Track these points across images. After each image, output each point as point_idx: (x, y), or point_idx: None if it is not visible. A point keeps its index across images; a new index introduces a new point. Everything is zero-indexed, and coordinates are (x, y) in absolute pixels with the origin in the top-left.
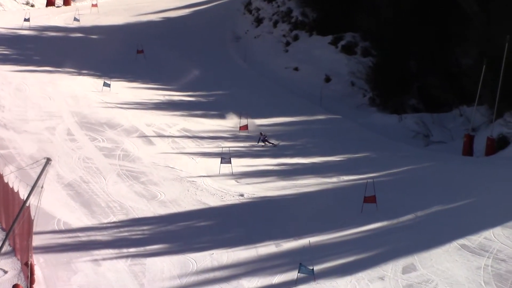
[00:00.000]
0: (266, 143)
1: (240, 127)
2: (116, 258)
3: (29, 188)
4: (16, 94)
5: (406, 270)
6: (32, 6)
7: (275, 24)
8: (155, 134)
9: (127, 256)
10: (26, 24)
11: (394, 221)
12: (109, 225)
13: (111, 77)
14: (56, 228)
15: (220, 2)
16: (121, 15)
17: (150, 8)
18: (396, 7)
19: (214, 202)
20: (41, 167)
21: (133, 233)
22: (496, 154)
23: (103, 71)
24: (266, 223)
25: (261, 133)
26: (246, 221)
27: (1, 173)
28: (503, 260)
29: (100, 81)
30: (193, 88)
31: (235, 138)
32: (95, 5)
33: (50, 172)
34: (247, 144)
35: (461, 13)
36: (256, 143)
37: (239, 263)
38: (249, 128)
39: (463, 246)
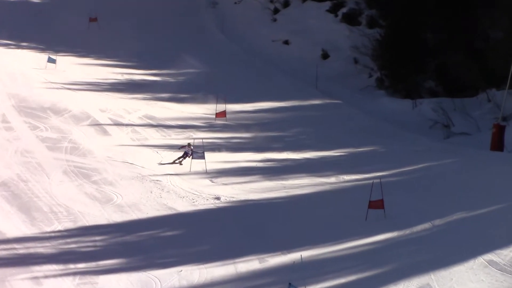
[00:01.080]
0: (181, 159)
1: (216, 114)
2: (61, 275)
3: None
4: None
5: None
6: None
7: None
8: (110, 122)
9: (75, 273)
10: None
11: (406, 231)
12: (53, 234)
13: (57, 51)
14: None
15: None
16: None
17: None
18: None
19: (183, 206)
20: None
21: (82, 245)
22: None
23: (48, 44)
24: (248, 233)
25: (189, 144)
26: (223, 231)
27: None
28: None
29: (43, 56)
30: (158, 65)
31: (210, 127)
32: None
33: None
34: (225, 135)
35: None
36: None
37: (213, 283)
38: (227, 115)
39: (491, 263)
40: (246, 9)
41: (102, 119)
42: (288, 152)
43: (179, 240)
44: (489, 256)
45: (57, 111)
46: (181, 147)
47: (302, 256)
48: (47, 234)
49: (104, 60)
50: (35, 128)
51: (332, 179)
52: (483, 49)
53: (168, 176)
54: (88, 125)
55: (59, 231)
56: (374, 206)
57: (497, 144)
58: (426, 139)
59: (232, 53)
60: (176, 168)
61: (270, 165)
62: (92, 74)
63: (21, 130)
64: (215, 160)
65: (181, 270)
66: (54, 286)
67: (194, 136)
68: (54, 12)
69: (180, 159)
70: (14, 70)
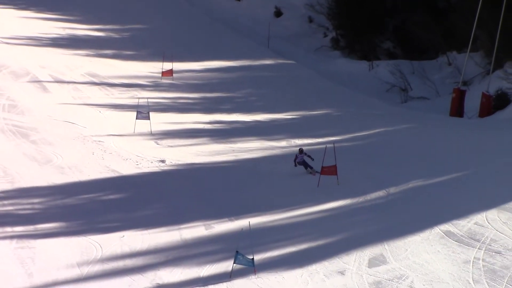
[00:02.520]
0: (309, 169)
1: (162, 72)
2: None
3: None
4: None
5: (373, 262)
6: None
7: None
8: (51, 79)
9: (11, 237)
10: None
11: (360, 199)
12: None
13: None
14: None
15: None
16: None
17: None
18: None
19: (126, 169)
20: None
21: (19, 207)
22: (492, 115)
23: None
24: (194, 198)
25: (301, 150)
26: (168, 195)
27: None
28: (498, 253)
29: None
30: (102, 20)
31: (156, 86)
32: None
33: None
34: (171, 95)
35: None
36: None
37: (157, 249)
38: (174, 74)
39: (448, 234)
40: None
41: (42, 75)
42: (238, 114)
43: (121, 204)
44: (446, 227)
45: None
46: (298, 159)
47: (250, 223)
48: None
49: (46, 13)
50: None
51: (283, 143)
52: (445, 9)
53: (111, 137)
54: (28, 81)
55: None
56: (326, 172)
57: (457, 110)
58: (382, 103)
59: (180, 9)
60: (119, 129)
61: (218, 128)
62: (33, 28)
63: None
64: (160, 121)
65: (124, 236)
66: None
67: (139, 95)
68: None
69: (310, 169)
70: None
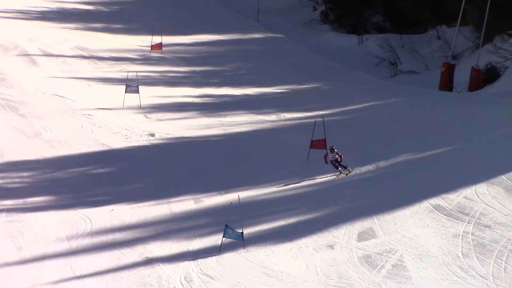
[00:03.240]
0: (341, 168)
1: (151, 46)
2: None
3: None
4: None
5: (362, 236)
6: None
7: None
8: (40, 53)
9: (1, 211)
10: None
11: (349, 173)
12: None
13: None
14: None
15: None
16: None
17: None
18: None
19: (116, 143)
20: None
21: (8, 180)
22: (482, 89)
23: None
24: (183, 172)
25: (332, 148)
26: (157, 169)
27: None
28: (488, 227)
29: None
30: None
31: (145, 60)
32: None
33: None
34: (160, 68)
35: None
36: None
37: (146, 223)
38: (163, 48)
39: (437, 207)
40: None
41: (31, 49)
42: (227, 88)
43: (111, 178)
44: (435, 201)
45: None
46: (329, 157)
47: (240, 197)
48: None
49: None
50: None
51: (273, 117)
52: None
53: (100, 110)
54: (16, 55)
55: None
56: (316, 146)
57: (446, 84)
58: (372, 77)
59: None
60: (108, 102)
61: (207, 101)
62: (21, 2)
63: None
64: (149, 94)
65: (113, 209)
66: None
67: (128, 69)
68: None
69: (338, 173)
70: None
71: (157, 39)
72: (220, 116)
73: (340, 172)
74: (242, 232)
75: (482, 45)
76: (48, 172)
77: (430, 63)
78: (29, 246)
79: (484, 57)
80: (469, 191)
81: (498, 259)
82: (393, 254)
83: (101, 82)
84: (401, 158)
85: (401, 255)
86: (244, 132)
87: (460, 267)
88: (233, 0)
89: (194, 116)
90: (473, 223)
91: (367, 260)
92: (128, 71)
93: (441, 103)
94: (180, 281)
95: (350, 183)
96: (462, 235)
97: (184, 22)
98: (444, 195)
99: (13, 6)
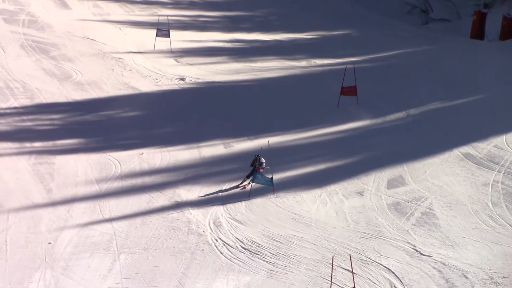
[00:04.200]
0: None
1: None
2: (16, 154)
3: None
4: None
5: (392, 184)
6: None
7: None
8: None
9: (30, 152)
10: None
11: (379, 120)
12: (8, 111)
13: None
14: None
15: None
16: None
17: None
18: None
19: (146, 86)
20: None
21: (39, 123)
22: None
23: None
24: (213, 116)
25: (256, 159)
26: (187, 113)
27: None
28: None
29: None
30: None
31: (176, 4)
32: None
33: None
34: (191, 13)
35: None
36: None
37: (176, 167)
38: None
39: (467, 156)
40: None
41: None
42: (257, 33)
43: (141, 121)
44: (466, 149)
45: None
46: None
47: (270, 142)
48: (2, 111)
49: None
50: None
51: (303, 63)
52: None
53: (131, 54)
54: None
55: (15, 108)
56: (346, 93)
57: (477, 32)
58: (403, 24)
59: None
60: (139, 46)
61: (238, 46)
62: None
63: None
64: (180, 38)
65: (143, 153)
66: (9, 166)
67: (159, 13)
68: None
69: (245, 183)
70: None
71: None
72: (250, 61)
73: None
74: (271, 178)
75: None
76: (78, 115)
77: (462, 11)
78: (58, 188)
79: None
80: (500, 140)
81: None
82: (423, 202)
83: (132, 26)
84: (431, 106)
85: (430, 203)
86: (274, 78)
87: (489, 216)
88: None
89: (224, 61)
90: (503, 172)
91: (396, 208)
92: (159, 15)
93: (472, 51)
94: (209, 225)
95: (380, 130)
96: (492, 184)
97: None
98: (474, 144)
99: None
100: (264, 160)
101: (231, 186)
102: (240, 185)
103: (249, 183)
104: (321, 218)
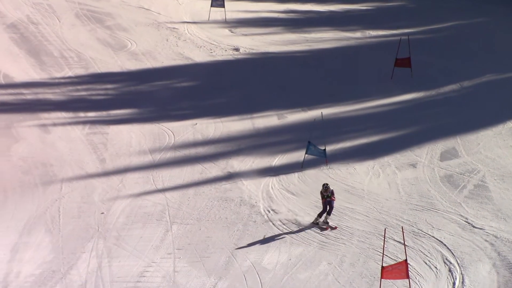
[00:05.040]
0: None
1: None
2: (70, 124)
3: None
4: None
5: (445, 156)
6: None
7: None
8: None
9: (84, 122)
10: None
11: (433, 92)
12: (62, 80)
13: None
14: None
15: None
16: None
17: None
18: None
19: (200, 56)
20: None
21: (93, 92)
22: None
23: None
24: (267, 87)
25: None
26: (241, 84)
27: None
28: None
29: None
30: None
31: None
32: None
33: None
34: None
35: None
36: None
37: (229, 138)
38: None
39: None
40: None
41: None
42: (312, 4)
43: (195, 92)
44: None
45: None
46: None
47: (323, 113)
48: (57, 80)
49: None
50: None
51: (358, 34)
52: None
53: (186, 24)
54: None
55: (70, 77)
56: (400, 64)
57: None
58: None
59: None
60: (193, 16)
61: (292, 17)
62: None
63: None
64: (235, 9)
65: (196, 123)
66: (62, 135)
67: None
68: None
69: (322, 218)
70: None
71: None
72: (304, 32)
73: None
74: (324, 149)
75: None
76: (132, 85)
77: None
78: (111, 158)
79: None
80: None
81: None
82: (475, 174)
83: None
84: (485, 78)
85: (483, 176)
86: (328, 49)
87: None
88: None
89: (279, 32)
90: None
91: (449, 180)
92: None
93: None
94: (262, 196)
95: (434, 102)
96: None
97: None
98: None
99: None
100: (332, 188)
101: (311, 223)
102: (315, 222)
103: (325, 221)
104: (374, 190)
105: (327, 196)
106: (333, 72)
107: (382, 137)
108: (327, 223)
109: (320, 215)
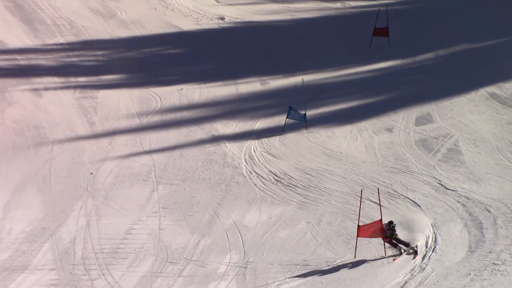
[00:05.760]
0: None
1: None
2: (61, 88)
3: None
4: None
5: (420, 121)
6: None
7: None
8: None
9: (75, 87)
10: None
11: (410, 60)
12: (54, 47)
13: None
14: None
15: None
16: None
17: None
18: None
19: (187, 25)
20: None
21: (84, 58)
22: None
23: None
24: (250, 54)
25: (390, 225)
26: (226, 51)
27: None
28: None
29: None
30: None
31: None
32: None
33: None
34: None
35: None
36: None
37: (214, 102)
38: None
39: (493, 95)
40: None
41: None
42: None
43: (181, 59)
44: (492, 89)
45: None
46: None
47: (304, 80)
48: (49, 47)
49: None
50: None
51: (338, 4)
52: None
53: None
54: None
55: (61, 44)
56: (378, 34)
57: None
58: None
59: None
60: None
61: None
62: None
63: None
64: None
65: (182, 89)
66: (54, 99)
67: None
68: None
69: (397, 253)
70: None
71: None
72: (287, 2)
73: (401, 253)
74: (305, 114)
75: None
76: (121, 51)
77: None
78: (101, 121)
79: None
80: None
81: None
82: (449, 138)
83: None
84: (459, 47)
85: (456, 140)
86: (310, 18)
87: None
88: None
89: (262, 2)
90: None
91: (424, 144)
92: None
93: None
94: (244, 158)
95: (410, 69)
96: None
97: None
98: (500, 84)
99: None
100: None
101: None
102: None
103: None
104: (352, 153)
105: (391, 235)
106: (314, 40)
107: (360, 103)
108: (410, 247)
109: (400, 250)
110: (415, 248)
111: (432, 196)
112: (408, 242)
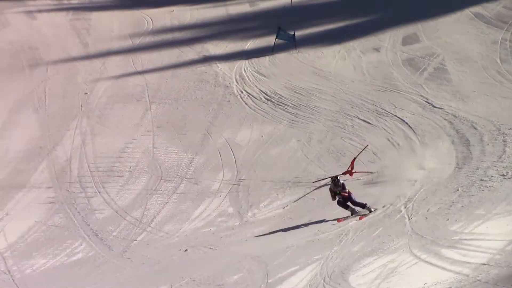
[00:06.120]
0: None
1: None
2: (54, 10)
3: None
4: None
5: (407, 41)
6: None
7: None
8: None
9: (68, 9)
10: None
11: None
12: None
13: None
14: None
15: None
16: None
17: None
18: None
19: None
20: None
21: None
22: None
23: None
24: None
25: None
26: None
27: None
28: None
29: None
30: None
31: None
32: None
33: None
34: None
35: None
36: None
37: (204, 23)
38: None
39: (477, 15)
40: None
41: None
42: None
43: None
44: (476, 9)
45: None
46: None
47: (292, 0)
48: None
49: None
50: None
51: None
52: None
53: None
54: None
55: None
56: None
57: None
58: None
59: None
60: None
61: None
62: None
63: None
64: None
65: (173, 10)
66: (47, 21)
67: None
68: None
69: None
70: None
71: None
72: None
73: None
74: (294, 34)
75: None
76: None
77: None
78: (94, 42)
79: None
80: (509, 1)
81: None
82: (435, 58)
83: None
84: None
85: (442, 59)
86: None
87: (498, 72)
88: None
89: None
90: (511, 31)
91: (411, 63)
92: None
93: None
94: (235, 78)
95: None
96: (501, 42)
97: None
98: (485, 4)
99: None
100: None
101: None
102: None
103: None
104: (340, 72)
105: (338, 193)
106: None
107: (347, 23)
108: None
109: (352, 211)
110: (372, 209)
111: (420, 114)
112: (364, 203)
